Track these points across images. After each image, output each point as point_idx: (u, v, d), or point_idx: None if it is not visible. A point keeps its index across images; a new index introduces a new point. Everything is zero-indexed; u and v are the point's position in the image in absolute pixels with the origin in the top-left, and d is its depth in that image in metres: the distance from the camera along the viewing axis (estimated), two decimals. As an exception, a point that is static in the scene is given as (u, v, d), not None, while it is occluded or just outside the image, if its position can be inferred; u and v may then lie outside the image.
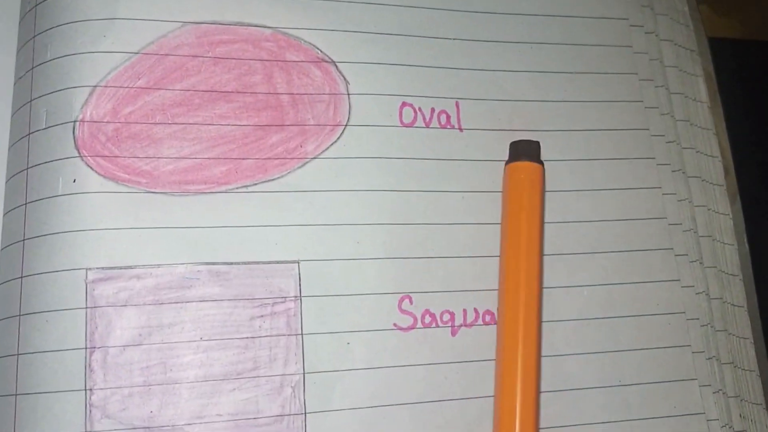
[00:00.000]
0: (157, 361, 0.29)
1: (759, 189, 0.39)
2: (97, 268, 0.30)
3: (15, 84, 0.33)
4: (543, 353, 0.33)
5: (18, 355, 0.29)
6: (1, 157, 0.33)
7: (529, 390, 0.30)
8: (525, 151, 0.33)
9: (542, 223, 0.33)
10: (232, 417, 0.30)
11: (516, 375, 0.30)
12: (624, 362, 0.34)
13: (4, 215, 0.32)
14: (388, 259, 0.33)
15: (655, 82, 0.38)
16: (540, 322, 0.32)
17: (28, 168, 0.31)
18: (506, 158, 0.34)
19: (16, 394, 0.29)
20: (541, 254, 0.32)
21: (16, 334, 0.30)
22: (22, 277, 0.30)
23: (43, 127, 0.31)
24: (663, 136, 0.38)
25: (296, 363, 0.31)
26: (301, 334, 0.31)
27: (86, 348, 0.29)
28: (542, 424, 0.32)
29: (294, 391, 0.30)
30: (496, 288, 0.33)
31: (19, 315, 0.30)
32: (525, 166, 0.33)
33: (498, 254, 0.34)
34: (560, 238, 0.35)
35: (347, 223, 0.33)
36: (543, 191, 0.33)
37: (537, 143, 0.33)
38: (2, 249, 0.31)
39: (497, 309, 0.32)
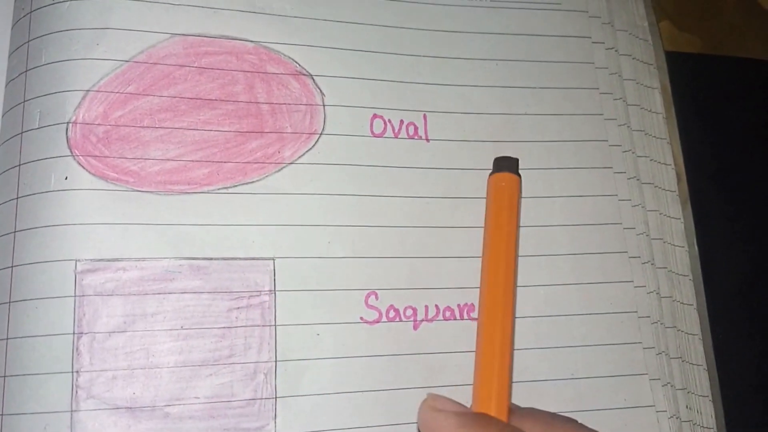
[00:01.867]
0: (140, 347, 0.31)
1: (708, 195, 0.41)
2: (85, 259, 0.32)
3: (6, 85, 0.35)
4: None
5: (7, 339, 0.31)
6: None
7: (505, 362, 0.32)
8: (506, 165, 0.35)
9: (518, 223, 0.35)
10: (209, 400, 0.32)
11: (493, 354, 0.32)
12: (577, 357, 0.36)
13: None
14: (356, 258, 0.35)
15: (614, 95, 0.41)
16: (514, 307, 0.33)
17: (20, 165, 0.33)
18: (469, 167, 0.37)
19: (4, 376, 0.31)
20: (517, 249, 0.34)
21: (5, 320, 0.32)
22: (12, 267, 0.32)
23: (36, 127, 0.34)
24: (620, 146, 0.40)
25: (269, 351, 0.33)
26: (275, 325, 0.33)
27: (74, 333, 0.31)
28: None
29: (266, 377, 0.32)
30: (456, 286, 0.36)
31: (9, 302, 0.32)
32: (505, 176, 0.35)
33: (458, 255, 0.36)
34: (522, 240, 0.37)
35: (320, 224, 0.35)
36: (520, 198, 0.35)
37: (516, 160, 0.36)
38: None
39: (479, 297, 0.34)
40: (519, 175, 0.35)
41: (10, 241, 0.33)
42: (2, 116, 0.35)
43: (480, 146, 0.37)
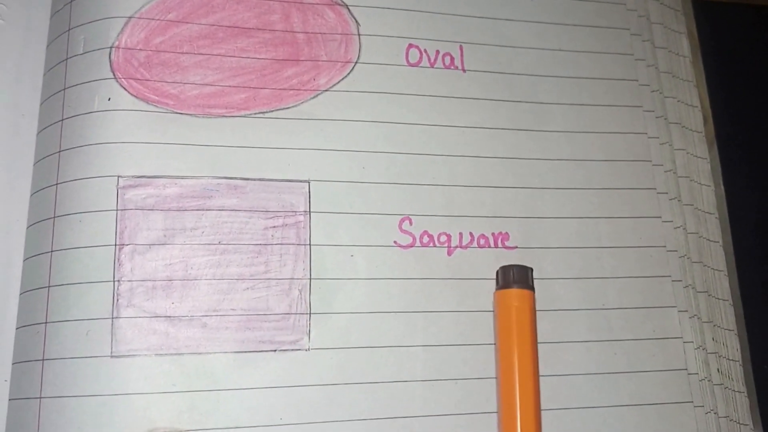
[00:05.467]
0: (179, 260, 0.32)
1: (734, 137, 0.41)
2: (127, 176, 0.32)
3: (51, 17, 0.36)
4: (535, 276, 0.34)
5: (51, 252, 0.32)
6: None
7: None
8: (517, 277, 0.33)
9: (536, 350, 0.32)
10: (245, 312, 0.32)
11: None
12: (608, 288, 0.36)
13: (38, 134, 0.34)
14: (391, 183, 0.35)
15: (643, 37, 0.40)
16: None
17: (65, 89, 0.34)
18: (504, 98, 0.36)
19: (48, 286, 0.31)
20: (537, 382, 0.32)
21: (50, 234, 0.32)
22: (57, 184, 0.32)
23: (81, 52, 0.34)
24: (648, 85, 0.40)
25: (304, 269, 0.33)
26: (309, 244, 0.33)
27: (116, 245, 0.31)
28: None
29: (301, 294, 0.32)
30: (491, 215, 0.35)
31: (54, 217, 0.32)
32: (517, 294, 0.32)
33: (493, 185, 0.36)
34: (552, 173, 0.37)
35: (354, 150, 0.35)
36: (534, 318, 0.32)
37: (529, 270, 0.33)
38: (37, 162, 0.34)
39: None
40: (532, 288, 0.33)
41: (55, 160, 0.33)
42: (47, 45, 0.36)
43: (515, 79, 0.37)
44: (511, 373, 0.31)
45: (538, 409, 0.31)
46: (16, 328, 0.32)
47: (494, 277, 0.34)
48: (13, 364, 0.31)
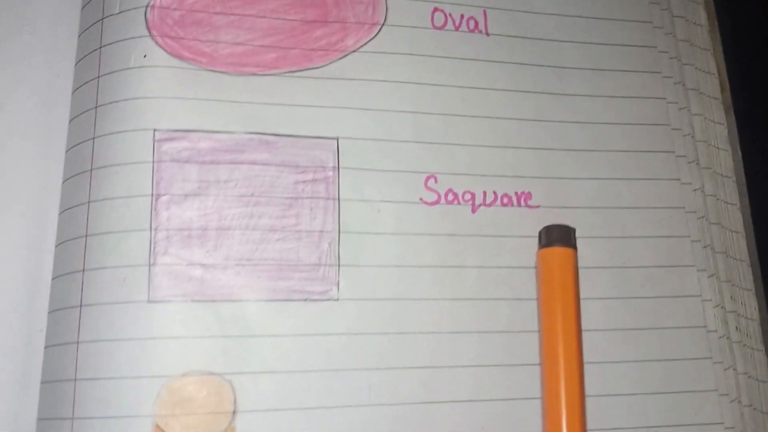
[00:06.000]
0: (213, 210, 0.32)
1: (751, 104, 0.41)
2: (163, 129, 0.33)
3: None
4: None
5: (89, 202, 0.32)
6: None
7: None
8: (560, 237, 0.33)
9: (578, 309, 0.33)
10: (277, 262, 0.32)
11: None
12: (629, 247, 0.37)
13: (73, 92, 0.35)
14: (416, 143, 0.36)
15: (661, 6, 0.41)
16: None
17: (101, 47, 0.34)
18: (528, 62, 0.37)
19: (86, 236, 0.32)
20: (580, 339, 0.32)
21: (87, 186, 0.32)
22: (94, 138, 0.33)
23: (117, 11, 0.35)
24: (667, 52, 0.40)
25: (333, 222, 0.33)
26: (338, 199, 0.34)
27: (152, 195, 0.32)
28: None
29: (330, 246, 0.33)
30: (514, 174, 0.36)
31: (91, 169, 0.33)
32: (560, 252, 0.33)
33: (516, 145, 0.37)
34: (573, 135, 0.37)
35: (381, 109, 0.35)
36: (577, 275, 0.33)
37: (572, 230, 0.34)
38: (72, 119, 0.34)
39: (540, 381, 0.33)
40: (575, 247, 0.34)
41: (91, 115, 0.34)
42: (82, 8, 0.36)
43: (537, 43, 0.38)
44: (554, 331, 0.32)
45: (581, 367, 0.32)
46: (53, 279, 0.33)
47: (516, 234, 0.35)
48: (49, 313, 0.32)
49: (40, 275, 0.33)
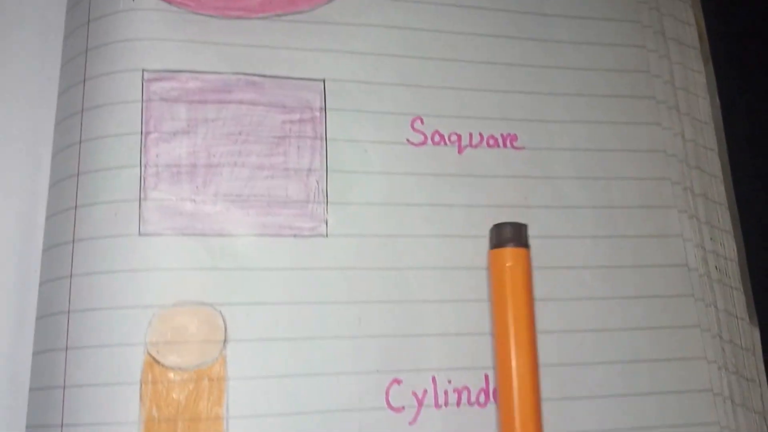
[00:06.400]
0: (202, 148, 0.33)
1: (728, 54, 0.42)
2: (152, 70, 0.33)
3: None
4: (542, 175, 0.36)
5: (80, 142, 0.33)
6: None
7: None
8: (511, 236, 0.32)
9: (532, 312, 0.32)
10: (266, 198, 0.33)
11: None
12: (612, 188, 0.37)
13: (65, 39, 0.35)
14: (402, 85, 0.36)
15: (641, -41, 0.42)
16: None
17: (90, -7, 0.35)
18: (513, 9, 0.38)
19: (78, 174, 0.32)
20: (533, 342, 0.31)
21: (78, 125, 0.33)
22: (84, 81, 0.33)
23: (105, -42, 0.35)
24: (646, 3, 0.41)
25: (320, 161, 0.34)
26: (325, 138, 0.34)
27: (142, 132, 0.32)
28: (536, 232, 0.35)
29: (318, 184, 0.34)
30: (501, 117, 0.37)
31: (82, 111, 0.33)
32: (512, 253, 0.32)
33: (502, 89, 0.37)
34: (557, 80, 0.38)
35: (367, 53, 0.36)
36: (530, 277, 0.32)
37: (523, 227, 0.32)
38: (64, 65, 0.35)
39: (498, 382, 0.32)
40: (527, 246, 0.32)
41: (82, 59, 0.34)
42: (70, -43, 0.37)
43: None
44: (507, 335, 0.31)
45: (535, 372, 0.31)
46: (47, 218, 0.33)
47: (502, 175, 0.36)
48: (43, 251, 0.32)
49: (33, 216, 0.33)
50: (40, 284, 0.32)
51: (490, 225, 0.35)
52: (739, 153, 0.40)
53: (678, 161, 0.39)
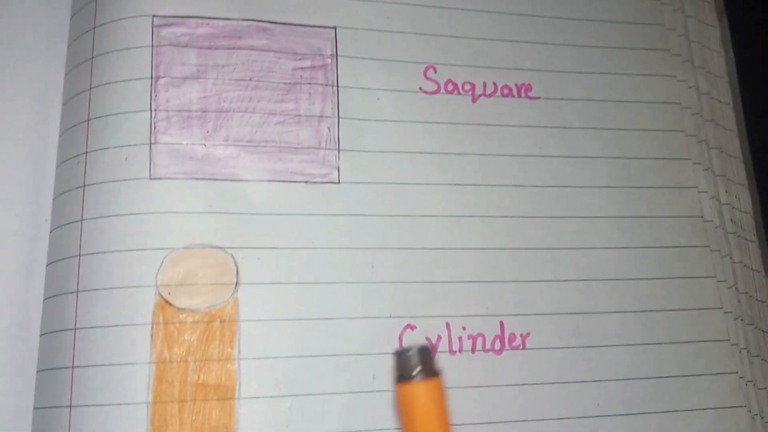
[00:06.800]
0: (212, 93, 0.32)
1: (743, 9, 0.42)
2: (162, 15, 0.33)
3: None
4: (557, 125, 0.36)
5: (90, 89, 0.32)
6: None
7: None
8: (421, 367, 0.23)
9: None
10: (277, 144, 0.32)
11: None
12: (626, 139, 0.37)
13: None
14: (415, 34, 0.35)
15: None
16: None
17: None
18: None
19: (88, 120, 0.32)
20: None
21: (88, 74, 0.32)
22: (94, 28, 0.33)
23: None
24: (660, -42, 0.40)
25: (332, 108, 0.33)
26: (337, 86, 0.34)
27: (152, 77, 0.32)
28: (551, 181, 0.35)
29: (330, 131, 0.33)
30: (514, 67, 0.36)
31: (92, 58, 0.33)
32: (423, 387, 0.23)
33: (515, 39, 0.36)
34: (571, 31, 0.37)
35: (378, 0, 0.35)
36: (446, 408, 0.24)
37: (426, 350, 0.24)
38: (74, 13, 0.34)
39: None
40: (437, 373, 0.24)
41: (92, 8, 0.33)
42: None
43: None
44: None
45: None
46: (58, 164, 0.32)
47: (516, 124, 0.35)
48: (54, 197, 0.32)
49: (44, 163, 0.33)
50: (51, 229, 0.32)
51: (504, 174, 0.34)
52: (754, 107, 0.40)
53: (693, 114, 0.38)
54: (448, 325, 0.32)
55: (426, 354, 0.24)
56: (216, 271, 0.30)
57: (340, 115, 0.33)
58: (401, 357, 0.24)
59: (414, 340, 0.31)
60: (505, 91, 0.36)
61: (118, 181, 0.30)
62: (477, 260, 0.33)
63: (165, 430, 0.28)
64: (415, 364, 0.24)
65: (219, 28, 0.33)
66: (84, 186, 0.31)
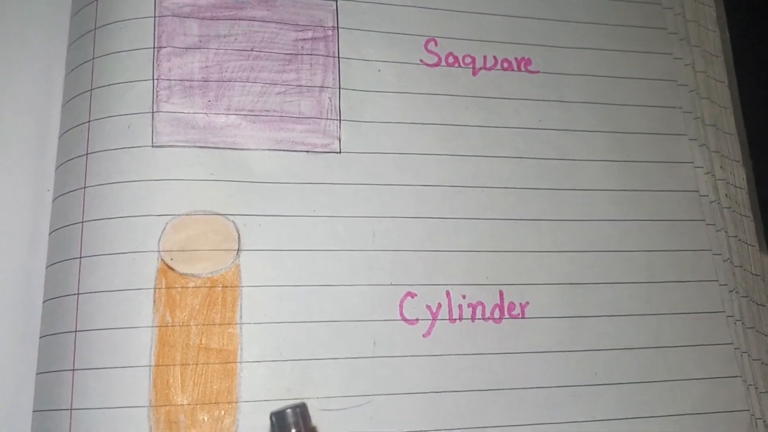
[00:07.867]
0: (214, 63, 0.32)
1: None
2: (163, -15, 0.32)
3: None
4: (556, 98, 0.35)
5: (93, 59, 0.32)
6: None
7: None
8: (293, 423, 0.25)
9: None
10: (278, 114, 0.32)
11: None
12: (623, 114, 0.37)
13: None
14: (415, 7, 0.35)
15: None
16: None
17: None
18: None
19: (91, 90, 0.31)
20: None
21: (91, 45, 0.32)
22: (97, 0, 0.33)
23: None
24: (657, -65, 0.40)
25: (333, 79, 0.33)
26: (338, 57, 0.34)
27: (154, 47, 0.32)
28: (550, 154, 0.35)
29: (331, 101, 0.33)
30: (515, 41, 0.36)
31: (95, 29, 0.32)
32: None
33: (515, 14, 0.36)
34: (569, 7, 0.37)
35: (379, -25, 0.35)
36: None
37: (302, 407, 0.25)
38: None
39: None
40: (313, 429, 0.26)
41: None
42: None
43: None
44: None
45: None
46: (60, 135, 0.32)
47: (516, 97, 0.35)
48: (56, 167, 0.32)
49: (47, 135, 0.32)
50: (54, 198, 0.31)
51: (505, 146, 0.34)
52: (749, 86, 0.40)
53: (689, 91, 0.38)
54: (448, 293, 0.32)
55: (299, 412, 0.25)
56: (218, 237, 0.29)
57: (341, 86, 0.33)
58: (278, 416, 0.25)
59: (415, 307, 0.31)
60: (505, 65, 0.36)
61: (121, 148, 0.30)
62: (477, 230, 0.33)
63: (167, 392, 0.27)
64: (294, 422, 0.25)
65: (221, -1, 0.33)
66: (87, 154, 0.31)
